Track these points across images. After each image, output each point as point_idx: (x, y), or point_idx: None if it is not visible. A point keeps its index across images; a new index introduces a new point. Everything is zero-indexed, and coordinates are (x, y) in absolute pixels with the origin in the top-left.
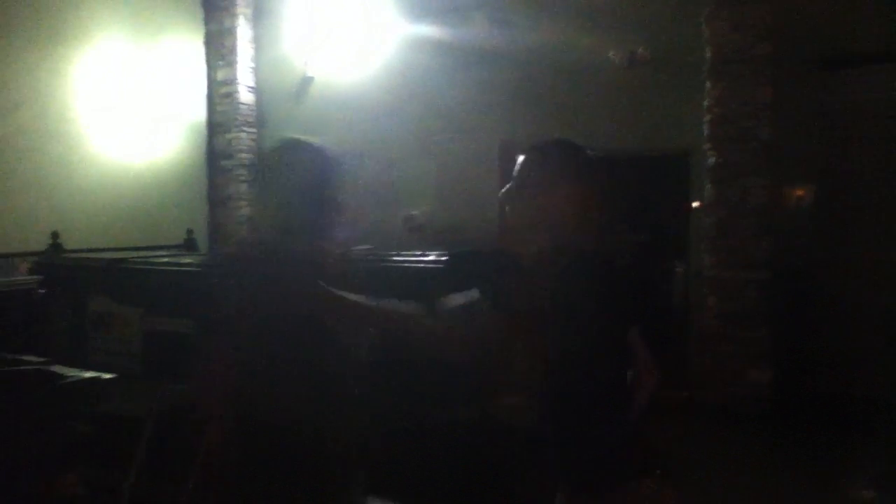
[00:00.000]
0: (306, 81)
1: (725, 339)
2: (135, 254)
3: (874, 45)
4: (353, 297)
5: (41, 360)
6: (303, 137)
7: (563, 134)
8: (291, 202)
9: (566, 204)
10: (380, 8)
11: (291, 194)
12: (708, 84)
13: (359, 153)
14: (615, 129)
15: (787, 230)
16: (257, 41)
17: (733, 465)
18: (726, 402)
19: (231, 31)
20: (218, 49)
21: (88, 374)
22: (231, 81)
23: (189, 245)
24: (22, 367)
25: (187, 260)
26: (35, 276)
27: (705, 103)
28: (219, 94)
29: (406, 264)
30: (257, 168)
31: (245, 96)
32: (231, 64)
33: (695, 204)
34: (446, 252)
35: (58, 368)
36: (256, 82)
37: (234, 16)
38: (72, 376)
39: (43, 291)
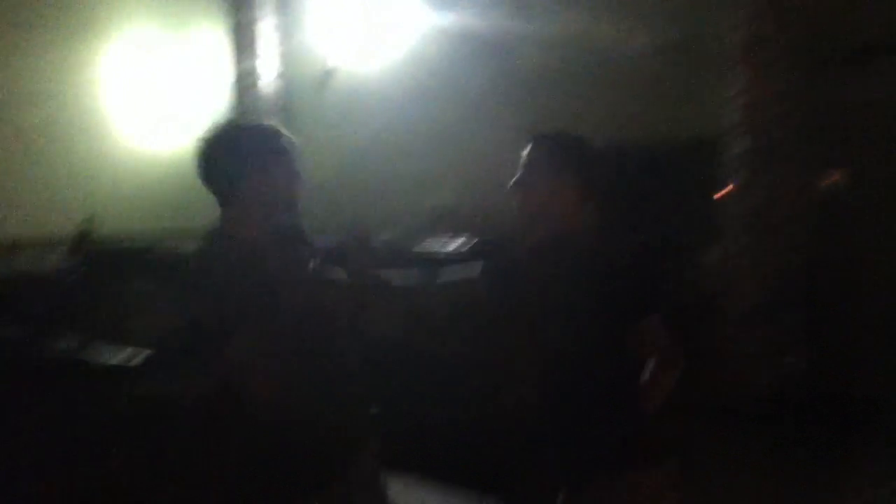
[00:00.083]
0: (329, 72)
1: (758, 328)
2: (167, 238)
3: None
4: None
5: (82, 340)
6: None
7: (590, 121)
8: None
9: (568, 195)
10: None
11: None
12: (739, 69)
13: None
14: (642, 116)
15: (822, 217)
16: (281, 31)
17: (754, 457)
18: (756, 392)
19: (255, 22)
20: (243, 40)
21: (127, 355)
22: (255, 72)
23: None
24: (63, 348)
25: None
26: (73, 260)
27: (736, 89)
28: (243, 85)
29: (430, 254)
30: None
31: (269, 86)
32: (255, 54)
33: (725, 191)
34: (470, 241)
35: (97, 350)
36: (281, 72)
37: (258, 7)
38: (111, 357)
39: (80, 275)
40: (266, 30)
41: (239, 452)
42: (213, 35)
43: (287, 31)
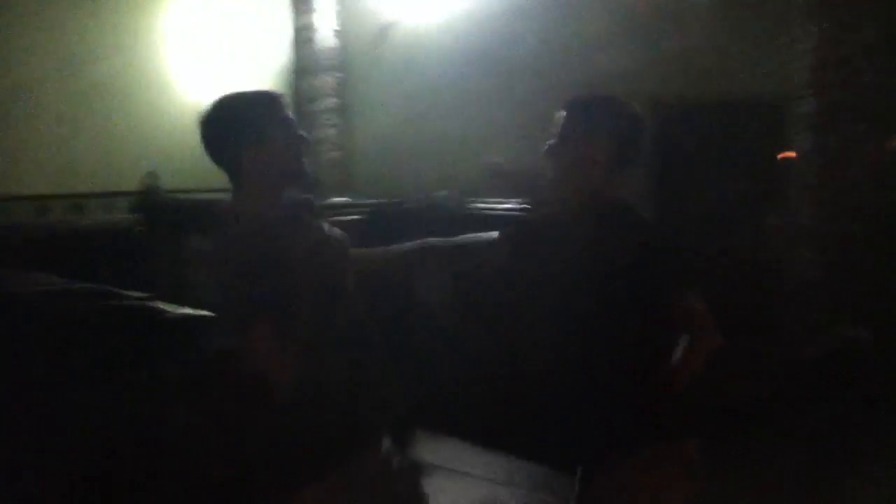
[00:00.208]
0: (390, 25)
1: (821, 294)
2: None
3: None
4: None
5: (144, 295)
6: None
7: (650, 81)
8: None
9: (601, 160)
10: None
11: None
12: (809, 25)
13: None
14: (706, 75)
15: (887, 182)
16: None
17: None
18: (818, 359)
19: None
20: None
21: (189, 311)
22: (315, 26)
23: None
24: (126, 302)
25: None
26: (134, 215)
27: (806, 46)
28: (303, 39)
29: (486, 211)
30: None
31: (329, 41)
32: (315, 9)
33: (791, 153)
34: (530, 200)
35: (160, 304)
36: (340, 27)
37: None
38: (174, 312)
39: (142, 230)
40: None
41: (243, 430)
42: None
43: None
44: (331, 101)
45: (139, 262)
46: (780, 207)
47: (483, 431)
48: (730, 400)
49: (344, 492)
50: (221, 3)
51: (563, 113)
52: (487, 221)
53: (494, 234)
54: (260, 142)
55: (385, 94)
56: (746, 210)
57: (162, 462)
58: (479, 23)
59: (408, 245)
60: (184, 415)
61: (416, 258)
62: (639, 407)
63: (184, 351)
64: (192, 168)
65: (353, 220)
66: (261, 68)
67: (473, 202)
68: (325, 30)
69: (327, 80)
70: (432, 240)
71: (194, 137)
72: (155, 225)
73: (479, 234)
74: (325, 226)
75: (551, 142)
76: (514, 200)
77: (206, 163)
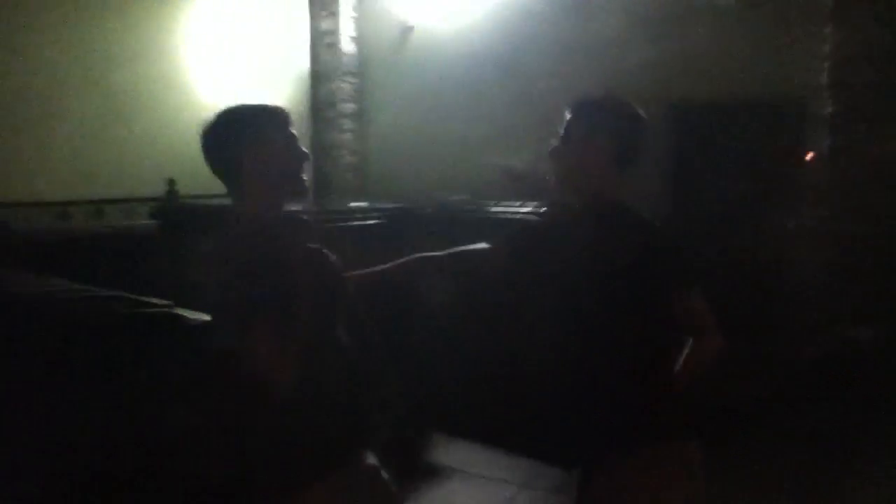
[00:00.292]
0: (407, 30)
1: (834, 295)
2: None
3: None
4: None
5: (165, 302)
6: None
7: (670, 82)
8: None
9: (603, 162)
10: None
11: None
12: (830, 26)
13: None
14: (725, 76)
15: None
16: None
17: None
18: (824, 359)
19: None
20: (318, 1)
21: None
22: (333, 31)
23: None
24: (148, 310)
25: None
26: (154, 221)
27: (826, 47)
28: (321, 45)
29: (502, 214)
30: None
31: (347, 46)
32: (333, 14)
33: (809, 155)
34: (545, 203)
35: (180, 311)
36: (358, 32)
37: None
38: (193, 319)
39: (162, 236)
40: None
41: (245, 431)
42: None
43: None
44: (348, 107)
45: (158, 266)
46: (798, 208)
47: (494, 432)
48: (729, 400)
49: (344, 492)
50: (240, 10)
51: (568, 114)
52: (504, 224)
53: (484, 244)
54: (259, 154)
55: (402, 98)
56: (763, 210)
57: (173, 463)
58: (495, 27)
59: (400, 261)
60: (192, 416)
61: (410, 270)
62: (639, 406)
63: (203, 357)
64: (210, 173)
65: (370, 224)
66: (279, 74)
67: (490, 206)
68: (343, 36)
69: (345, 86)
70: (425, 254)
71: None
72: (172, 230)
73: (470, 246)
74: (320, 246)
75: (554, 144)
76: (529, 203)
77: None
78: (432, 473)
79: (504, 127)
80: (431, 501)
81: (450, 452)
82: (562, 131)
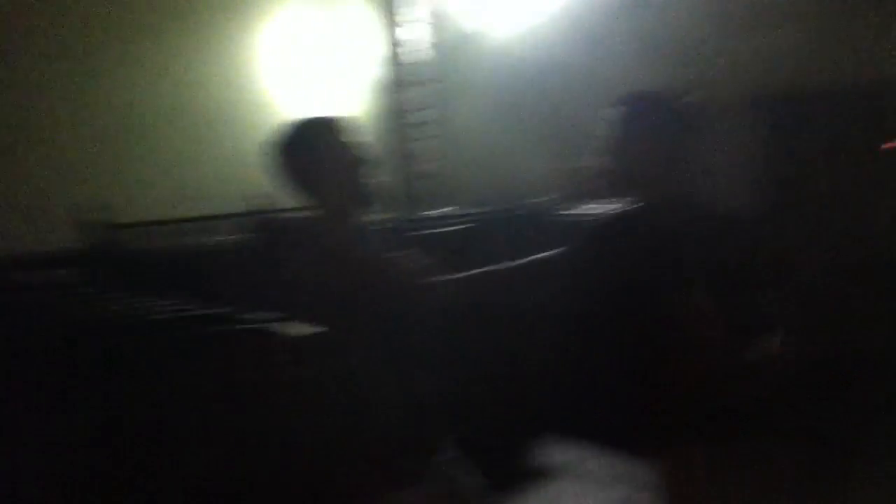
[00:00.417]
0: (481, 35)
1: None
2: None
3: None
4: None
5: (267, 316)
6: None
7: (746, 72)
8: None
9: (655, 158)
10: None
11: None
12: None
13: None
14: (803, 63)
15: None
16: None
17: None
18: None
19: None
20: (394, 10)
21: (305, 330)
22: (409, 40)
23: (383, 199)
24: (249, 326)
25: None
26: (241, 236)
27: None
28: (399, 53)
29: (587, 214)
30: None
31: (423, 54)
32: (408, 23)
33: (889, 144)
34: (628, 203)
35: (282, 325)
36: (433, 39)
37: None
38: (291, 332)
39: (254, 250)
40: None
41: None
42: (366, 7)
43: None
44: (427, 113)
45: (251, 280)
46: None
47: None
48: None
49: (428, 494)
50: (316, 25)
51: (615, 111)
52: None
53: (551, 253)
54: (318, 165)
55: (479, 103)
56: (851, 203)
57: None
58: (569, 28)
59: (473, 272)
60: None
61: (484, 284)
62: (718, 401)
63: (301, 370)
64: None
65: (457, 229)
66: (358, 85)
67: (574, 205)
68: (419, 43)
69: (424, 93)
70: (496, 266)
71: None
72: (264, 244)
73: (538, 255)
74: (400, 253)
75: (602, 143)
76: (616, 201)
77: None
78: (541, 475)
79: (585, 126)
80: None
81: (559, 453)
82: (611, 129)
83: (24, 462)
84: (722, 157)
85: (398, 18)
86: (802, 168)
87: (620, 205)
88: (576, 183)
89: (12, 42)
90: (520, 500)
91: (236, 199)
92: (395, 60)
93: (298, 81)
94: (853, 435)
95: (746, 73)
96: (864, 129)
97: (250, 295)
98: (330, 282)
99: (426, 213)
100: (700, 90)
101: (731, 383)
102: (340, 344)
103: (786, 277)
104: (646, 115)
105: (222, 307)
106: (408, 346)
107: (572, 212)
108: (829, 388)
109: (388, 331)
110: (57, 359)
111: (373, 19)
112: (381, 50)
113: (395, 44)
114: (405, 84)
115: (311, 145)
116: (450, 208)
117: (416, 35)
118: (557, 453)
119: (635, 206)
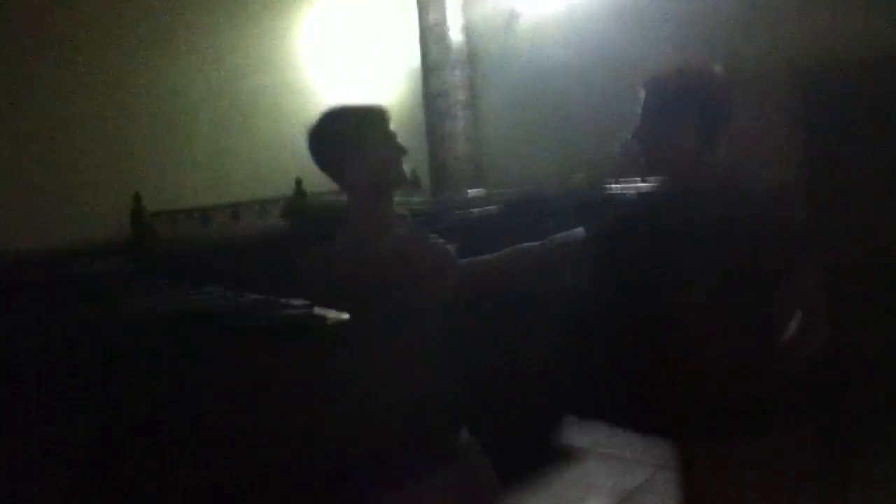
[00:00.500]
0: (513, 17)
1: None
2: None
3: None
4: None
5: (304, 303)
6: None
7: (793, 49)
8: None
9: (691, 140)
10: None
11: None
12: None
13: None
14: (851, 36)
15: None
16: None
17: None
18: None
19: None
20: None
21: (348, 317)
22: (442, 23)
23: (414, 183)
24: (289, 312)
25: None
26: (287, 223)
27: None
28: (431, 36)
29: (622, 192)
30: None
31: (456, 36)
32: (441, 5)
33: None
34: (664, 180)
35: (320, 311)
36: (466, 21)
37: None
38: (332, 317)
39: (294, 237)
40: None
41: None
42: None
43: None
44: (460, 96)
45: (290, 265)
46: None
47: (626, 412)
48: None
49: (449, 482)
50: (351, 12)
51: (643, 94)
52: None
53: (580, 230)
54: (354, 150)
55: (512, 85)
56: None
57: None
58: (602, 9)
59: (503, 252)
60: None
61: (514, 262)
62: (750, 388)
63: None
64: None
65: (490, 210)
66: (392, 69)
67: (609, 184)
68: (451, 27)
69: (456, 76)
70: (525, 244)
71: None
72: (301, 228)
73: (567, 233)
74: (430, 236)
75: (635, 128)
76: (650, 180)
77: None
78: (566, 455)
79: (618, 105)
80: (566, 483)
81: (583, 433)
82: (645, 108)
83: (73, 455)
84: (759, 134)
85: (429, 2)
86: (846, 143)
87: (655, 185)
88: (610, 164)
89: (55, 35)
90: (539, 482)
91: (272, 185)
92: (428, 43)
93: (332, 66)
94: (853, 435)
95: (789, 47)
96: None
97: (288, 282)
98: (365, 267)
99: (453, 196)
100: (738, 64)
101: (755, 375)
102: (375, 329)
103: (821, 260)
104: (680, 93)
105: (264, 294)
106: (439, 330)
107: (606, 193)
108: (828, 387)
109: (420, 315)
110: (107, 352)
111: (405, 4)
112: (414, 33)
113: (428, 28)
114: (437, 67)
115: (348, 133)
116: (478, 189)
117: (447, 19)
118: (579, 435)
119: (669, 186)
